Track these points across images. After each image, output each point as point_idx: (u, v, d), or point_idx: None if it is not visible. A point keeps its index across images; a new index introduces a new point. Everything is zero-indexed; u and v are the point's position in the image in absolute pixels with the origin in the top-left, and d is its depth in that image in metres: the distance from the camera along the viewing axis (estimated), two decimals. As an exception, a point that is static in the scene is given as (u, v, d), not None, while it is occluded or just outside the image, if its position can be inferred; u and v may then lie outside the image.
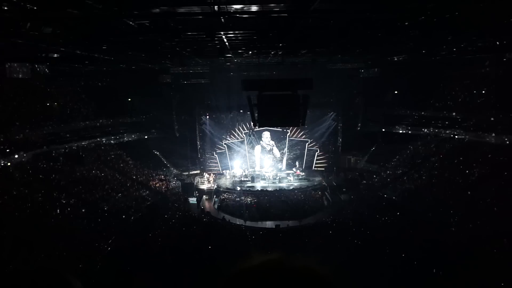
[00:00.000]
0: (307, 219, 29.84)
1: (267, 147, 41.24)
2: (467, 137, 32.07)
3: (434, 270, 18.23)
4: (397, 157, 37.25)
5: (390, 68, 34.35)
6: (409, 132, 37.99)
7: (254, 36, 15.79)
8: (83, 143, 34.00)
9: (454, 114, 33.95)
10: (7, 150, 26.56)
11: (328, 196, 34.68)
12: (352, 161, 41.95)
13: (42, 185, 26.40)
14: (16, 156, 27.06)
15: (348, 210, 30.88)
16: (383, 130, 40.29)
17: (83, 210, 26.02)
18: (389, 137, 38.95)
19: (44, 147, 29.67)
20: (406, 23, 13.59)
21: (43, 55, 22.05)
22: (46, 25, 11.65)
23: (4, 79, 24.52)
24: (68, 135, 33.07)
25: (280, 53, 23.31)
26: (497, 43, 21.41)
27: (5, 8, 9.46)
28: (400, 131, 38.77)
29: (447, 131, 33.95)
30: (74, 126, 34.10)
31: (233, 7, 10.57)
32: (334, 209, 31.83)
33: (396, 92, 40.39)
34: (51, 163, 29.42)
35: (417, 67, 34.15)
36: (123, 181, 33.23)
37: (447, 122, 34.40)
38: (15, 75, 23.65)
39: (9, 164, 26.28)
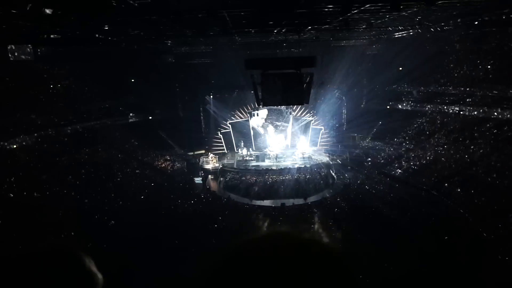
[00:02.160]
0: (312, 197, 29.98)
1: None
2: (472, 113, 31.85)
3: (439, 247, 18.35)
4: (402, 134, 37.15)
5: (394, 44, 33.94)
6: (414, 108, 37.78)
7: (257, 13, 15.60)
8: (88, 125, 34.07)
9: (458, 89, 33.66)
10: (13, 133, 26.68)
11: (333, 174, 34.74)
12: (356, 138, 41.83)
13: (48, 167, 26.55)
14: (22, 138, 27.20)
15: (353, 187, 30.98)
16: (388, 107, 40.10)
17: (89, 191, 26.19)
18: (393, 114, 38.78)
19: (49, 129, 29.76)
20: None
21: (45, 36, 21.92)
22: (46, 6, 11.55)
23: (7, 61, 24.46)
24: (72, 117, 33.11)
25: (283, 31, 23.05)
26: (503, 17, 21.09)
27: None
28: (405, 108, 38.58)
29: (452, 107, 33.72)
30: (79, 107, 34.10)
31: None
32: (339, 187, 31.93)
33: (400, 68, 40.03)
34: (57, 145, 29.56)
35: (422, 43, 33.74)
36: (129, 162, 33.39)
37: (451, 98, 34.14)
38: (16, 57, 23.56)
39: (15, 146, 26.43)
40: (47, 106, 30.70)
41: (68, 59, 33.58)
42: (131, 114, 39.62)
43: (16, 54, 23.57)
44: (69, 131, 31.73)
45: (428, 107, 36.26)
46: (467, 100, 32.49)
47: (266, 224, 23.41)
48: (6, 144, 25.93)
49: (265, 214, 25.73)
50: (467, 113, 32.17)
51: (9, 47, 23.44)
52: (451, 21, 22.74)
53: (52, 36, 21.62)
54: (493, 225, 20.17)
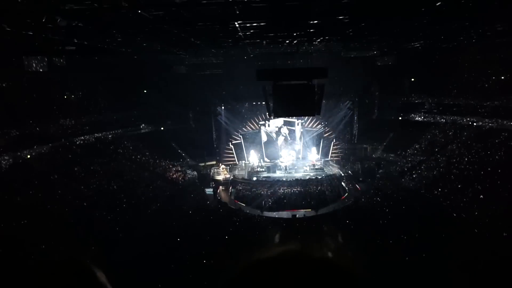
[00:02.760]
0: (323, 209, 29.78)
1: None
2: (486, 124, 31.53)
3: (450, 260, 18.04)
4: (415, 145, 36.87)
5: (406, 55, 33.80)
6: (427, 119, 37.53)
7: (268, 24, 15.66)
8: (100, 135, 34.35)
9: (472, 100, 33.39)
10: (27, 143, 27.00)
11: (344, 185, 34.52)
12: (368, 150, 41.63)
13: (61, 177, 26.75)
14: (35, 148, 27.51)
15: (365, 199, 30.73)
16: (400, 118, 39.89)
17: (101, 202, 26.30)
18: (406, 125, 38.56)
19: (63, 139, 30.06)
20: (423, 9, 13.32)
21: (60, 47, 22.20)
22: (62, 17, 11.71)
23: (22, 72, 24.80)
24: (86, 127, 33.44)
25: (294, 42, 23.11)
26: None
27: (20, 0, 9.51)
28: (417, 119, 38.34)
29: (466, 118, 33.43)
30: (92, 118, 34.45)
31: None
32: (350, 199, 31.69)
33: (412, 79, 39.87)
34: (70, 155, 29.82)
35: (434, 53, 33.58)
36: (141, 173, 33.53)
37: (465, 109, 33.86)
38: (32, 68, 23.85)
39: (28, 156, 26.72)
40: (61, 116, 31.08)
41: (82, 70, 33.90)
42: (143, 125, 39.92)
43: (31, 65, 23.83)
44: (82, 141, 32.02)
45: (441, 118, 35.98)
46: (480, 111, 32.17)
47: (277, 236, 23.22)
48: (20, 153, 26.24)
49: (276, 225, 25.55)
50: (480, 124, 31.86)
51: (24, 58, 23.74)
52: (462, 32, 22.60)
53: (66, 47, 21.91)
54: (508, 238, 19.81)
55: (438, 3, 12.34)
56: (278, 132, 41.24)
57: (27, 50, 22.64)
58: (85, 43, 19.47)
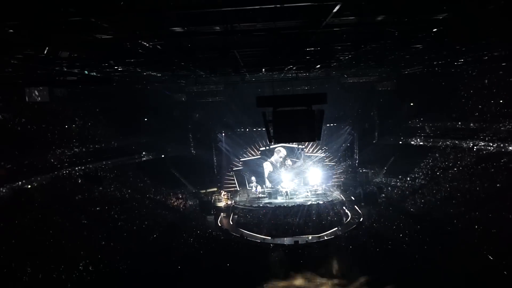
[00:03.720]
0: (326, 234, 29.57)
1: (277, 164, 41.26)
2: (486, 147, 31.57)
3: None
4: (416, 169, 36.86)
5: (405, 79, 34.13)
6: (427, 143, 37.60)
7: (267, 53, 15.89)
8: (101, 164, 34.39)
9: (472, 124, 33.52)
10: (27, 173, 27.02)
11: (346, 210, 34.34)
12: (370, 174, 41.54)
13: (62, 206, 26.69)
14: (36, 178, 27.52)
15: (367, 224, 30.54)
16: (400, 142, 39.98)
17: (102, 231, 26.16)
18: (406, 149, 38.60)
19: (63, 169, 30.09)
20: (420, 35, 13.54)
21: (61, 78, 22.46)
22: (63, 49, 11.91)
23: (23, 103, 25.03)
24: (86, 156, 33.50)
25: (294, 68, 23.40)
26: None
27: (23, 34, 9.69)
28: (418, 143, 38.41)
29: (466, 142, 33.48)
30: (93, 147, 34.55)
31: (245, 25, 10.67)
32: (352, 224, 31.48)
33: (412, 103, 40.12)
34: (70, 185, 29.81)
35: (433, 78, 33.88)
36: (142, 200, 33.45)
37: (465, 133, 33.96)
38: (34, 100, 24.09)
39: (29, 186, 26.72)
40: (61, 146, 31.16)
41: (83, 99, 34.28)
42: (144, 153, 39.96)
43: (32, 96, 24.06)
44: (82, 170, 32.03)
45: (441, 142, 36.04)
46: (481, 135, 32.24)
47: (281, 265, 22.93)
48: (21, 184, 26.23)
49: (279, 252, 25.31)
50: (481, 147, 31.89)
51: (25, 89, 23.97)
52: (461, 57, 22.90)
53: (68, 77, 22.17)
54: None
55: (435, 29, 12.57)
56: (282, 163, 41.31)
57: (29, 81, 22.88)
58: (87, 73, 19.73)
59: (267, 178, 41.20)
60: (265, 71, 24.74)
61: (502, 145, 30.12)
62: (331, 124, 40.63)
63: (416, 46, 16.22)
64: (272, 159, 41.35)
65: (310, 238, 28.82)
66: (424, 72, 30.57)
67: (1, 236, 20.98)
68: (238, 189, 41.00)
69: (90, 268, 20.81)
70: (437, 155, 36.08)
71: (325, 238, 28.85)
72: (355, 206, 35.07)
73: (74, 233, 24.44)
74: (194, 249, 25.29)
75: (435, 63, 25.86)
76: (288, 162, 41.38)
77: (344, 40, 14.19)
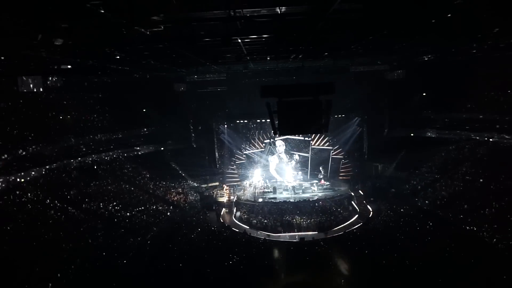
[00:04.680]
0: (333, 231, 29.61)
1: (284, 158, 41.31)
2: (503, 140, 31.40)
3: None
4: (428, 163, 36.77)
5: (416, 68, 33.92)
6: (440, 136, 37.46)
7: (272, 40, 15.83)
8: (98, 157, 34.44)
9: (488, 115, 33.33)
10: (20, 166, 27.05)
11: (355, 206, 34.36)
12: (379, 168, 41.50)
13: (57, 201, 26.76)
14: (30, 171, 27.54)
15: (377, 220, 30.52)
16: (412, 134, 39.85)
17: (99, 227, 26.24)
18: (418, 142, 38.46)
19: (58, 161, 30.12)
20: (433, 21, 13.44)
21: (55, 67, 22.46)
22: (57, 36, 11.87)
23: (16, 92, 25.04)
24: (82, 149, 33.54)
25: (300, 57, 23.30)
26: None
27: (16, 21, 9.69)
28: (430, 135, 38.27)
29: (481, 134, 33.32)
30: (88, 139, 34.56)
31: (249, 11, 10.62)
32: (361, 220, 31.48)
33: (424, 94, 39.93)
34: (66, 178, 29.86)
35: (446, 67, 33.63)
36: (140, 195, 33.52)
37: (480, 125, 33.78)
38: (26, 88, 24.09)
39: (22, 180, 26.74)
40: (56, 138, 31.13)
41: (78, 89, 34.24)
42: (142, 146, 40.00)
43: (25, 85, 24.08)
44: (78, 163, 32.07)
45: (455, 135, 35.89)
46: (497, 126, 32.06)
47: (285, 263, 22.95)
48: (14, 177, 26.26)
49: (283, 249, 25.34)
50: (497, 140, 31.73)
51: (18, 79, 23.98)
52: (474, 45, 22.73)
53: (62, 66, 22.17)
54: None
55: (449, 15, 12.47)
56: (286, 156, 41.35)
57: (22, 70, 22.91)
58: (82, 62, 19.72)
59: (274, 170, 41.22)
60: (269, 59, 24.65)
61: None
62: (339, 115, 40.56)
63: (428, 32, 16.11)
64: (278, 153, 41.35)
65: (316, 234, 28.87)
66: (437, 61, 30.37)
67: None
68: (241, 183, 41.06)
69: (86, 265, 20.87)
70: (450, 148, 35.94)
71: (333, 235, 28.90)
72: (364, 202, 35.08)
73: (70, 229, 24.47)
74: (195, 246, 25.34)
75: (447, 51, 25.67)
76: (296, 156, 41.37)
77: (353, 27, 14.11)
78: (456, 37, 18.91)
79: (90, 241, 23.97)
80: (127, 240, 25.70)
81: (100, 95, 37.05)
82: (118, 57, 19.40)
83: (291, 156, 41.40)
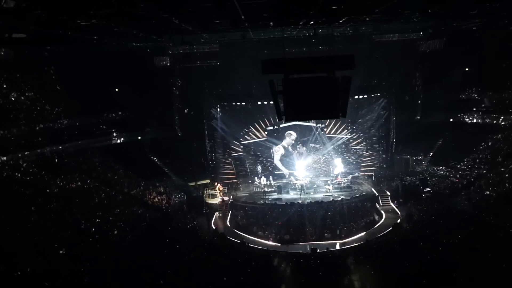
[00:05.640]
0: (352, 241, 29.66)
1: (289, 148, 41.36)
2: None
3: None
4: (471, 155, 36.76)
5: (458, 37, 33.76)
6: (486, 121, 37.41)
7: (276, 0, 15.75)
8: (59, 148, 34.36)
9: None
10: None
11: (379, 209, 34.40)
12: (410, 162, 41.54)
13: (7, 203, 26.69)
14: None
15: (407, 226, 30.55)
16: (451, 120, 39.81)
17: (60, 235, 26.22)
18: (459, 129, 38.43)
19: (9, 153, 30.02)
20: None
21: (6, 35, 22.36)
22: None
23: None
24: (39, 138, 33.41)
25: (311, 22, 23.19)
26: None
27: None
28: (474, 121, 38.24)
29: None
30: (47, 126, 34.41)
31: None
32: (388, 227, 31.51)
33: (466, 69, 39.80)
34: (19, 174, 29.80)
35: (494, 36, 33.48)
36: (112, 196, 33.53)
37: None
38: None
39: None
40: (6, 124, 30.99)
41: (35, 64, 34.06)
42: (115, 134, 39.93)
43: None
44: (34, 156, 31.97)
45: (505, 120, 35.82)
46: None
47: (293, 280, 23.02)
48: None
49: (290, 263, 25.42)
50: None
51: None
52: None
53: (14, 35, 22.07)
54: None
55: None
56: (294, 148, 41.44)
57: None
58: (39, 29, 19.61)
59: (279, 161, 41.27)
60: (273, 25, 24.55)
61: None
62: (360, 96, 40.47)
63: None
64: (284, 142, 41.35)
65: (331, 245, 28.91)
66: (483, 29, 30.22)
67: None
68: (238, 181, 41.09)
69: (46, 284, 20.89)
70: (499, 136, 35.91)
71: (352, 244, 28.95)
72: (391, 203, 35.12)
73: (24, 238, 24.45)
74: (181, 259, 25.39)
75: (497, 16, 25.54)
76: (302, 148, 41.37)
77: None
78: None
79: (49, 253, 23.96)
80: (96, 252, 25.71)
81: (61, 72, 36.82)
82: (83, 23, 19.31)
83: (300, 146, 41.38)
